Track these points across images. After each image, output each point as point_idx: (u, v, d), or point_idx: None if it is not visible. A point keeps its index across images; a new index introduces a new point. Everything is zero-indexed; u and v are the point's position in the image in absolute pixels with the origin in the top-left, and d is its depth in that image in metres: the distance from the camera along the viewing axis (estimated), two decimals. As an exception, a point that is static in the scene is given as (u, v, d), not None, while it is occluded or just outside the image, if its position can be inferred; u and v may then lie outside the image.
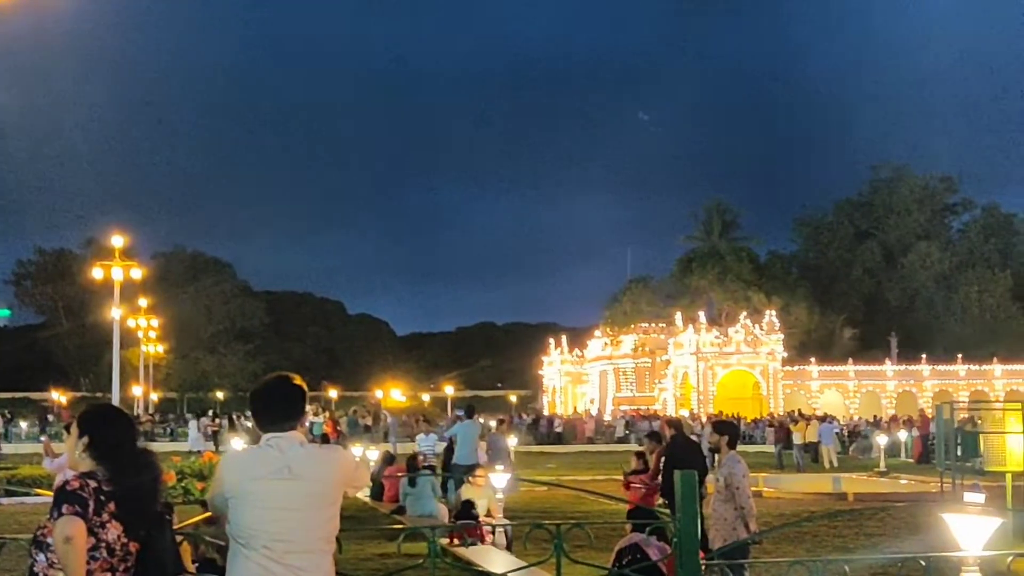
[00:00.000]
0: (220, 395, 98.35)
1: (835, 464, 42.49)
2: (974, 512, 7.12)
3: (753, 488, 28.88)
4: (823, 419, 50.71)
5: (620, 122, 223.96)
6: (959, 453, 18.95)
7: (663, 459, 15.72)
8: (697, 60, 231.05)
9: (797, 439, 43.36)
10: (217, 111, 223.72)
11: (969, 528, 7.08)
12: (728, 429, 11.95)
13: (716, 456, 14.33)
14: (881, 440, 41.51)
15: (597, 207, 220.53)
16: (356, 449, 33.44)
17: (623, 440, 61.00)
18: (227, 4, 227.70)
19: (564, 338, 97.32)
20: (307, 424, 56.34)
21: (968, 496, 7.24)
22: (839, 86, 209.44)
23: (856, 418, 70.45)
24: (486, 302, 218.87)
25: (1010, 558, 6.86)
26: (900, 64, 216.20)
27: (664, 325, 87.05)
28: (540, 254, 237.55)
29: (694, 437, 25.28)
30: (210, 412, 66.98)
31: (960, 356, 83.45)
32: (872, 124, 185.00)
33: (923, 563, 6.59)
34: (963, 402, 63.94)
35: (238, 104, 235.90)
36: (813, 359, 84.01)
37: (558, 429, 66.00)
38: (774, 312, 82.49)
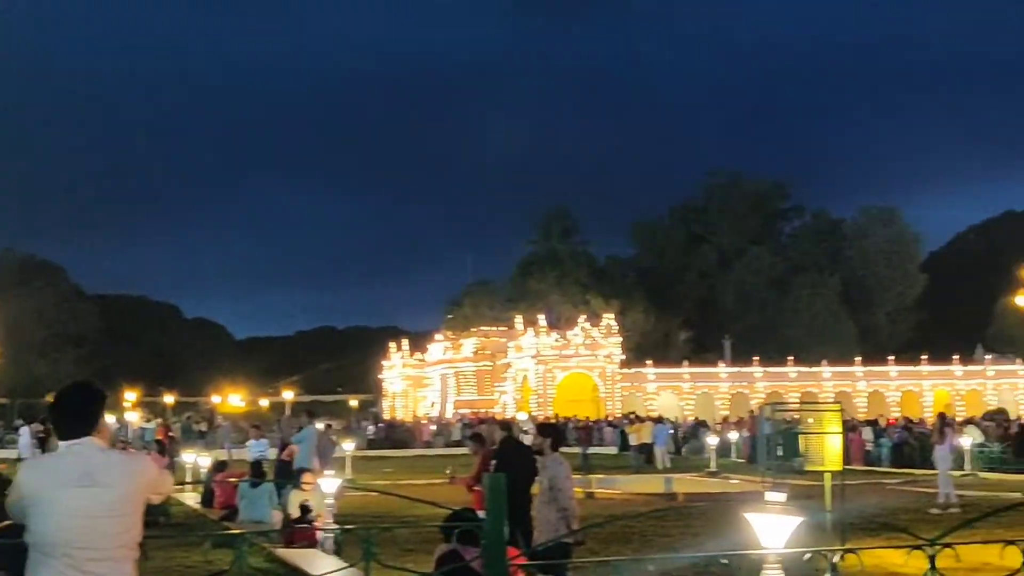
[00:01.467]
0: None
1: (667, 465, 43.27)
2: (775, 511, 7.36)
3: (587, 489, 29.40)
4: (657, 420, 51.60)
5: (463, 125, 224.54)
6: (780, 453, 19.46)
7: (493, 462, 15.82)
8: (539, 64, 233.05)
9: (633, 440, 44.07)
10: (46, 109, 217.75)
11: (770, 526, 7.32)
12: (551, 431, 12.12)
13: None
14: (712, 441, 42.43)
15: (439, 210, 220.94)
16: (188, 455, 32.99)
17: (461, 443, 61.16)
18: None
19: (405, 342, 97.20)
20: (139, 430, 55.33)
21: (769, 495, 7.48)
22: (679, 92, 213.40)
23: (692, 419, 71.81)
24: (326, 306, 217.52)
25: (807, 555, 7.10)
26: (737, 71, 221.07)
27: (504, 328, 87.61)
28: (381, 258, 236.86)
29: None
30: (41, 418, 65.15)
31: (791, 358, 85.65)
32: (709, 130, 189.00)
33: (724, 561, 6.78)
34: (791, 403, 65.74)
35: (68, 102, 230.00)
36: (649, 361, 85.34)
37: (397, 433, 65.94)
38: (612, 315, 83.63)
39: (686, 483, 33.91)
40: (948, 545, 6.98)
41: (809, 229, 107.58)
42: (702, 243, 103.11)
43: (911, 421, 58.12)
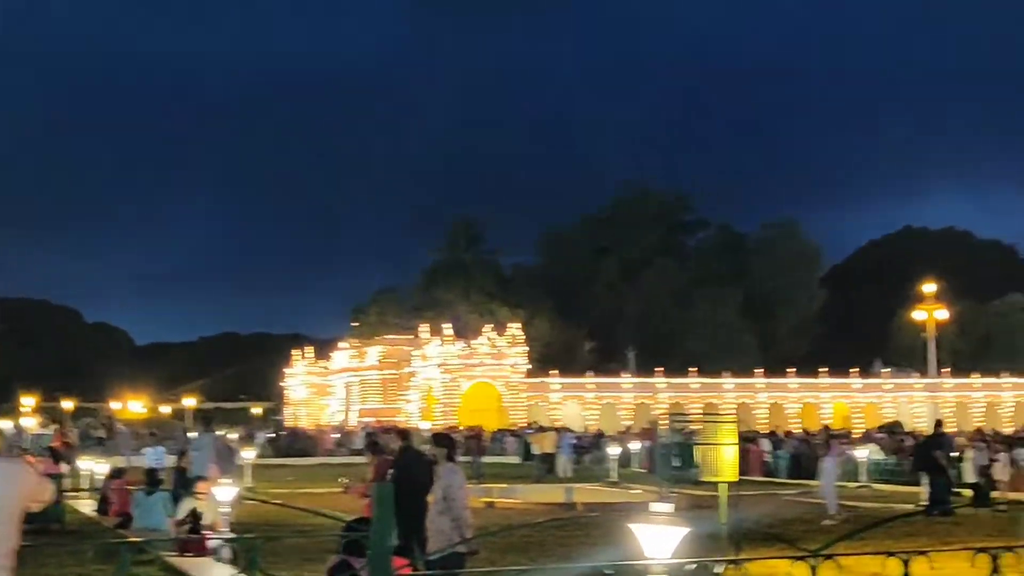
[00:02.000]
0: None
1: (569, 474, 43.46)
2: (661, 521, 7.46)
3: (487, 499, 29.43)
4: (559, 430, 51.80)
5: (372, 131, 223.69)
6: (677, 464, 19.70)
7: (391, 471, 15.83)
8: (448, 71, 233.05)
9: (535, 450, 44.21)
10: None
11: (656, 537, 7.42)
12: (446, 441, 12.16)
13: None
14: (614, 451, 42.70)
15: (345, 217, 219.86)
16: (85, 462, 32.46)
17: (362, 452, 60.82)
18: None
19: (310, 349, 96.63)
20: (36, 436, 54.27)
21: (655, 506, 7.57)
22: (589, 103, 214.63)
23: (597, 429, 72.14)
24: (230, 312, 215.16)
25: (692, 566, 7.22)
26: (648, 83, 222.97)
27: (410, 337, 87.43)
28: (286, 264, 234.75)
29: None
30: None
31: (694, 369, 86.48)
32: (618, 142, 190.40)
33: (609, 572, 6.87)
34: (694, 414, 66.27)
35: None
36: (554, 371, 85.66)
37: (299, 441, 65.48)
38: (518, 325, 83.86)
39: (586, 493, 34.02)
40: (829, 556, 7.16)
41: (713, 242, 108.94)
42: (608, 254, 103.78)
43: (809, 433, 59.00)
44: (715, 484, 19.35)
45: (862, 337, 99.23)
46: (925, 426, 73.44)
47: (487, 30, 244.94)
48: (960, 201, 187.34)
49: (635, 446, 50.58)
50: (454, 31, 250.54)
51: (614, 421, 78.64)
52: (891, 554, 7.16)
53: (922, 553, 7.20)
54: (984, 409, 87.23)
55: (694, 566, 7.28)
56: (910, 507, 28.10)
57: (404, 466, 15.10)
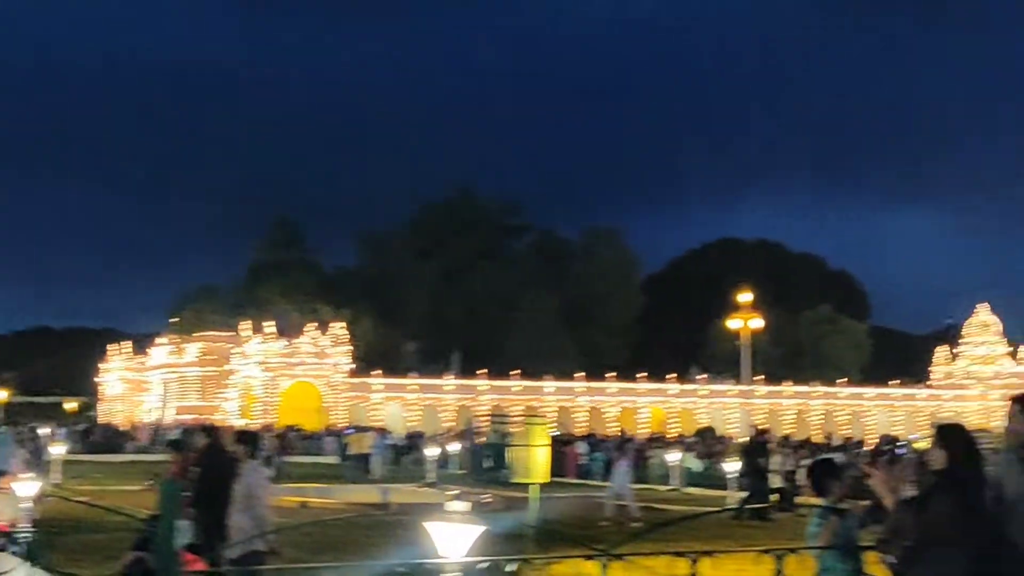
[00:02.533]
0: None
1: (381, 475, 43.44)
2: (456, 520, 7.50)
3: (301, 499, 29.15)
4: (379, 431, 51.73)
5: (196, 127, 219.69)
6: (489, 465, 19.81)
7: (195, 468, 15.55)
8: (274, 71, 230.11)
9: (352, 450, 44.07)
10: None
11: (451, 536, 7.46)
12: (248, 439, 12.01)
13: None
14: (432, 452, 42.76)
15: (168, 211, 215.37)
16: None
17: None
18: None
19: (127, 344, 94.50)
20: None
21: (451, 505, 7.61)
22: (415, 105, 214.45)
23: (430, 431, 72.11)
24: (44, 305, 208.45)
25: (485, 563, 7.27)
26: (475, 87, 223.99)
27: (231, 334, 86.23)
28: (105, 257, 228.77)
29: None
30: None
31: (516, 372, 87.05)
32: (443, 145, 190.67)
33: (402, 569, 6.89)
34: (515, 417, 66.74)
35: None
36: (377, 372, 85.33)
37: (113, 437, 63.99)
38: (340, 325, 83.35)
39: (403, 494, 33.98)
40: (619, 556, 7.29)
41: (536, 247, 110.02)
42: (432, 256, 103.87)
43: (626, 436, 60.05)
44: (527, 485, 19.57)
45: (680, 344, 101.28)
46: (738, 431, 75.63)
47: (318, 30, 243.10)
48: (775, 214, 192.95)
49: (454, 447, 50.81)
50: (284, 29, 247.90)
51: (435, 422, 78.70)
52: (679, 554, 7.33)
53: (708, 554, 7.38)
54: (794, 416, 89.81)
55: (487, 564, 7.33)
56: (708, 509, 28.79)
57: (208, 464, 14.86)
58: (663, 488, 40.07)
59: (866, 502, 8.62)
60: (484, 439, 44.99)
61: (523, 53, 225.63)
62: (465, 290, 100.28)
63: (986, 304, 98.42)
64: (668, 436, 63.86)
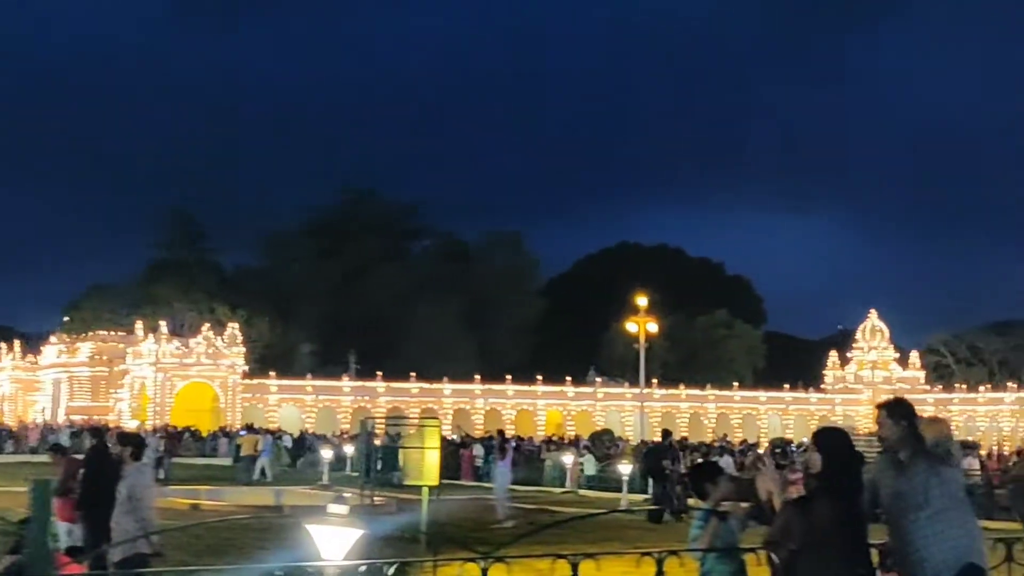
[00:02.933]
0: None
1: (269, 477, 43.11)
2: (336, 523, 7.45)
3: (192, 501, 28.80)
4: (273, 433, 51.32)
5: (97, 120, 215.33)
6: (380, 467, 19.77)
7: (82, 470, 15.31)
8: (181, 67, 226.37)
9: (244, 451, 43.66)
10: None
11: (331, 538, 7.40)
12: (132, 440, 11.84)
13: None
14: (327, 454, 42.53)
15: (62, 207, 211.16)
16: None
17: (67, 450, 58.64)
18: None
19: (17, 343, 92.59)
20: None
21: (332, 507, 7.56)
22: (321, 105, 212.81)
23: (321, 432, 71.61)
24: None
25: (362, 567, 7.22)
26: (376, 91, 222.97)
27: (125, 334, 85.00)
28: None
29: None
30: None
31: (413, 375, 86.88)
32: (345, 145, 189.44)
33: (279, 573, 6.80)
34: (412, 419, 66.61)
35: None
36: (272, 373, 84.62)
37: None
38: (236, 325, 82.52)
39: (297, 496, 33.72)
40: (500, 559, 7.28)
41: (437, 250, 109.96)
42: (332, 258, 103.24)
43: (522, 439, 60.22)
44: (418, 487, 19.54)
45: (578, 347, 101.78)
46: (632, 434, 76.22)
47: (223, 26, 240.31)
48: (674, 220, 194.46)
49: (349, 449, 50.52)
50: (190, 24, 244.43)
51: (332, 424, 78.28)
52: (560, 556, 7.34)
53: (590, 556, 7.40)
54: (689, 419, 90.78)
55: (365, 568, 7.29)
56: (592, 511, 28.95)
57: (92, 466, 14.64)
58: (558, 490, 40.25)
59: (747, 504, 8.71)
60: (379, 441, 44.86)
61: (427, 56, 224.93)
62: (364, 292, 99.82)
63: (875, 311, 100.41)
64: (564, 438, 64.10)
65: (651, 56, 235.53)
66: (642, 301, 69.50)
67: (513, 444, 30.99)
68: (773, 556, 7.76)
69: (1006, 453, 57.64)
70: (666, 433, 35.52)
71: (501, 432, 30.53)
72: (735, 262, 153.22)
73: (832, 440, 7.72)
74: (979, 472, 35.59)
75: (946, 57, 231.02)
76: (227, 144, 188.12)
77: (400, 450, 20.12)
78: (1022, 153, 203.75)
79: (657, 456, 32.29)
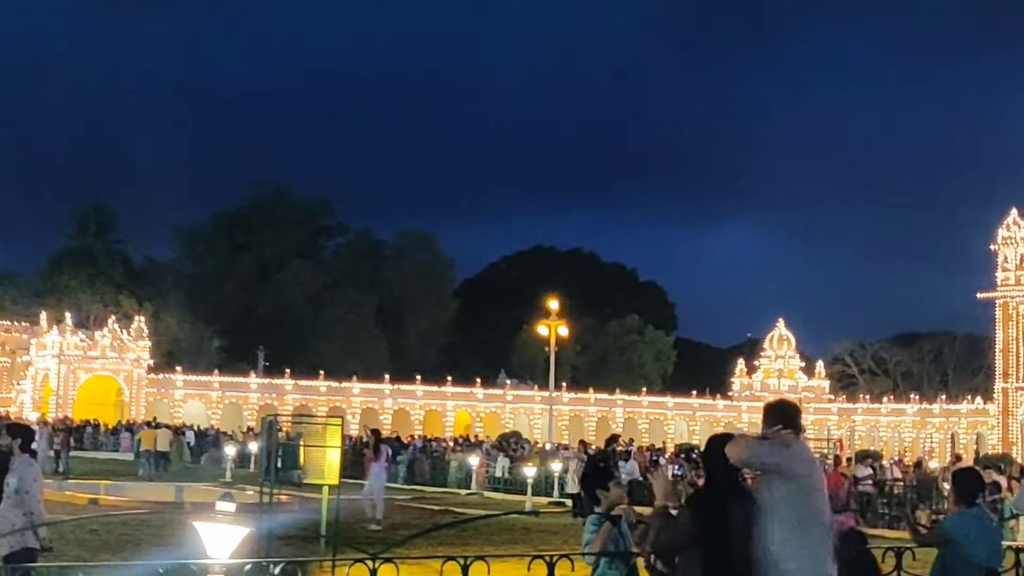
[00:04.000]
0: None
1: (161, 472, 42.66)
2: (224, 521, 7.35)
3: (90, 496, 28.37)
4: (175, 428, 50.78)
5: (5, 107, 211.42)
6: (279, 465, 19.53)
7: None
8: (97, 55, 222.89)
9: (146, 446, 43.12)
10: None
11: (217, 536, 7.30)
12: (21, 432, 11.59)
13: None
14: (230, 451, 42.13)
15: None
16: None
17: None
18: None
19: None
20: None
21: (220, 505, 7.46)
22: (238, 97, 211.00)
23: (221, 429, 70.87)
24: None
25: (247, 566, 7.13)
26: (292, 83, 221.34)
27: (28, 324, 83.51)
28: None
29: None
30: None
31: (322, 373, 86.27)
32: (261, 140, 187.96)
33: (160, 571, 6.70)
34: (320, 417, 66.20)
35: None
36: (179, 368, 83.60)
37: None
38: (143, 318, 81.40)
39: (198, 492, 33.36)
40: (389, 560, 7.23)
41: (351, 247, 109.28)
42: (244, 252, 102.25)
43: (428, 440, 60.16)
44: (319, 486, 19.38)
45: (489, 349, 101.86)
46: (540, 436, 76.41)
47: (140, 12, 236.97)
48: (589, 225, 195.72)
49: (254, 446, 50.10)
50: (106, 10, 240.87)
51: (238, 421, 77.52)
52: (451, 558, 7.31)
53: (481, 558, 7.38)
54: (596, 423, 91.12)
55: (249, 566, 7.20)
56: (495, 512, 28.97)
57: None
58: (463, 492, 40.27)
59: (643, 508, 8.73)
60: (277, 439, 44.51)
61: (344, 54, 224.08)
62: (276, 288, 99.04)
63: (783, 320, 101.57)
64: (472, 439, 64.15)
65: (572, 61, 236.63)
66: (554, 305, 69.67)
67: (388, 449, 30.73)
68: (656, 563, 7.72)
69: (907, 463, 58.81)
70: (611, 439, 35.83)
71: (376, 432, 30.28)
72: (648, 269, 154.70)
73: (714, 448, 7.70)
74: (871, 482, 36.09)
75: (864, 68, 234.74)
76: (141, 137, 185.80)
77: (301, 448, 19.88)
78: (933, 166, 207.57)
79: (600, 461, 32.38)
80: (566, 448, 50.56)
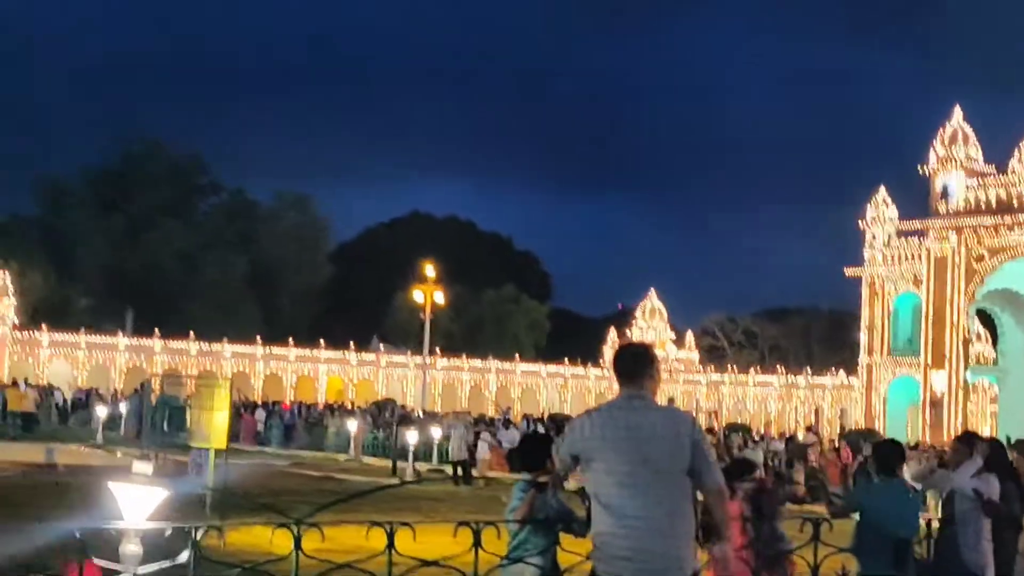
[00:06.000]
0: None
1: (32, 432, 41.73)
2: (141, 483, 7.06)
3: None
4: (44, 389, 49.56)
5: None
6: (166, 428, 19.08)
7: None
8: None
9: (12, 407, 42.06)
10: None
11: (134, 499, 7.00)
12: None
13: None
14: (101, 412, 41.24)
15: None
16: None
17: None
18: None
19: None
20: None
21: (137, 466, 7.17)
22: (106, 52, 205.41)
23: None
24: None
25: (169, 531, 6.87)
26: (166, 40, 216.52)
27: None
28: None
29: None
30: None
31: (192, 334, 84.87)
32: (133, 94, 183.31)
33: (77, 535, 6.40)
34: (189, 379, 65.10)
35: None
36: (45, 326, 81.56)
37: None
38: (7, 275, 79.16)
39: (70, 454, 32.62)
40: (315, 524, 7.00)
41: (225, 207, 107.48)
42: (113, 210, 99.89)
43: (304, 405, 59.68)
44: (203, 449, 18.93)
45: (364, 314, 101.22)
46: (413, 402, 76.29)
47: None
48: (466, 192, 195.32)
49: (124, 408, 49.17)
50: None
51: (106, 382, 76.05)
52: (376, 523, 7.12)
53: (406, 524, 7.20)
54: (470, 390, 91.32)
55: (170, 530, 6.92)
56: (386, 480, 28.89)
57: None
58: (341, 457, 39.99)
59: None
60: (156, 400, 43.76)
61: (221, 12, 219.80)
62: (147, 247, 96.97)
63: (654, 291, 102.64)
64: (346, 404, 63.80)
65: (450, 30, 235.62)
66: (430, 271, 69.48)
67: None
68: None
69: (773, 435, 60.00)
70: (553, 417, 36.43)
71: (245, 397, 29.98)
72: (525, 238, 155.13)
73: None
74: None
75: (745, 47, 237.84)
76: (8, 85, 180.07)
77: (187, 410, 19.43)
78: (807, 145, 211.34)
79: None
80: (449, 416, 50.53)
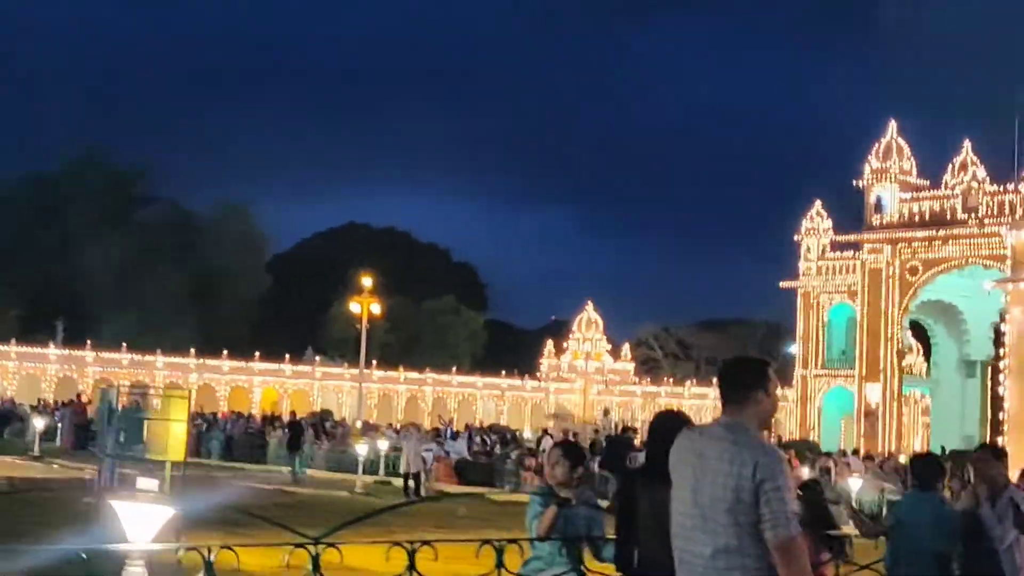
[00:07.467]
0: None
1: None
2: (147, 499, 6.68)
3: None
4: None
5: None
6: (121, 439, 18.54)
7: None
8: None
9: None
10: None
11: (140, 517, 6.62)
12: None
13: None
14: (38, 423, 40.45)
15: None
16: None
17: None
18: None
19: None
20: None
21: (141, 482, 6.79)
22: (45, 62, 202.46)
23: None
24: None
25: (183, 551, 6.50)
26: (104, 50, 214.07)
27: None
28: None
29: None
30: None
31: (125, 345, 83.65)
32: (71, 104, 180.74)
33: (84, 556, 6.02)
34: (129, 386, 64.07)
35: None
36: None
37: None
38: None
39: (7, 467, 31.88)
40: (332, 544, 6.67)
41: (163, 218, 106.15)
42: (48, 219, 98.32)
43: (241, 415, 58.99)
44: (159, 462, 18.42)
45: (300, 325, 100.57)
46: (348, 414, 75.73)
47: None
48: (404, 203, 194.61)
49: (59, 420, 48.39)
50: None
51: (36, 393, 74.67)
52: (396, 544, 6.83)
53: (427, 544, 6.91)
54: (406, 401, 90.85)
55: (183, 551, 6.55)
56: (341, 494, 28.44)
57: None
58: (285, 470, 39.40)
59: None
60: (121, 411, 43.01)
61: (163, 22, 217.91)
62: (82, 257, 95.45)
63: (591, 302, 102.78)
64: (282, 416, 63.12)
65: (388, 37, 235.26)
66: (367, 281, 69.11)
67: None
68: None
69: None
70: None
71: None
72: (463, 249, 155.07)
73: (666, 424, 7.39)
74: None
75: (682, 61, 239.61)
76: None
77: (145, 421, 18.90)
78: (745, 159, 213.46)
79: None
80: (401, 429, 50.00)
